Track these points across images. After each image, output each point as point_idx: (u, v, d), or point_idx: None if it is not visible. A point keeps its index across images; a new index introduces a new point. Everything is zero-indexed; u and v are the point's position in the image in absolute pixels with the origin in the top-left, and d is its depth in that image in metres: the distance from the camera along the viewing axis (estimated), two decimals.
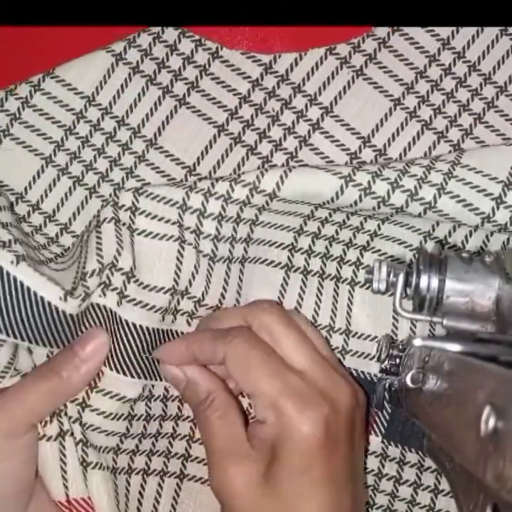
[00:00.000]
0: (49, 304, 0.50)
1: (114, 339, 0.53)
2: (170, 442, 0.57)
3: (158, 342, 0.54)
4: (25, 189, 0.58)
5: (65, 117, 0.58)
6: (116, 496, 0.55)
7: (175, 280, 0.54)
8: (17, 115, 0.58)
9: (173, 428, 0.57)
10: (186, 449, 0.57)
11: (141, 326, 0.53)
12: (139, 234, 0.53)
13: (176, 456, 0.57)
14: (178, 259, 0.54)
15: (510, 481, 0.25)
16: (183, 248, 0.54)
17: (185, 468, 0.57)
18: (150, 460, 0.57)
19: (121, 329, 0.53)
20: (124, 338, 0.53)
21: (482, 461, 0.28)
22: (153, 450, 0.57)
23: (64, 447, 0.54)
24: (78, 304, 0.51)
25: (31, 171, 0.59)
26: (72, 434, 0.53)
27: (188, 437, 0.57)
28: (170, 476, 0.57)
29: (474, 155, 0.54)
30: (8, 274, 0.49)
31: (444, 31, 0.59)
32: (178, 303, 0.55)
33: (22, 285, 0.49)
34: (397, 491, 0.57)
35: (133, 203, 0.53)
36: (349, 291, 0.56)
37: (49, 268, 0.54)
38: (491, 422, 0.27)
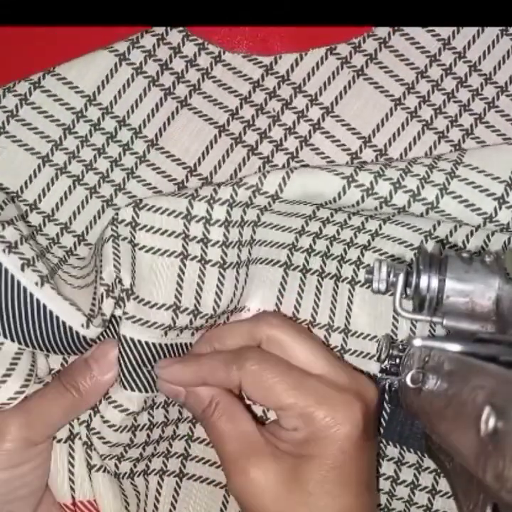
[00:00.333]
0: (70, 328, 0.50)
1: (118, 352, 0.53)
2: (169, 443, 0.57)
3: (160, 355, 0.53)
4: (21, 188, 0.58)
5: (64, 116, 0.58)
6: (125, 498, 0.55)
7: (176, 297, 0.52)
8: (14, 112, 0.57)
9: (174, 430, 0.57)
10: (185, 449, 0.57)
11: (139, 341, 0.52)
12: (139, 249, 0.52)
13: (175, 455, 0.57)
14: (179, 276, 0.52)
15: (510, 481, 0.25)
16: (185, 265, 0.52)
17: (184, 468, 0.57)
18: (150, 461, 0.56)
19: (120, 344, 0.52)
20: (123, 353, 0.52)
21: (482, 461, 0.28)
22: (155, 452, 0.56)
23: (73, 450, 0.54)
24: (98, 331, 0.51)
25: (27, 170, 0.58)
26: (81, 437, 0.53)
27: (187, 437, 0.57)
28: (169, 475, 0.57)
29: (477, 154, 0.54)
30: (31, 295, 0.49)
31: (445, 31, 0.59)
32: (191, 322, 0.53)
33: (45, 307, 0.49)
34: (395, 490, 0.57)
35: (133, 217, 0.51)
36: (349, 290, 0.56)
37: (64, 282, 0.54)
38: (491, 422, 0.27)
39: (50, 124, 0.58)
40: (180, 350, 0.54)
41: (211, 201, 0.52)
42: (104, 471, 0.54)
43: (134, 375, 0.52)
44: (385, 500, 0.57)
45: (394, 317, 0.55)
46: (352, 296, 0.56)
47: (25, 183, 0.58)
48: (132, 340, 0.52)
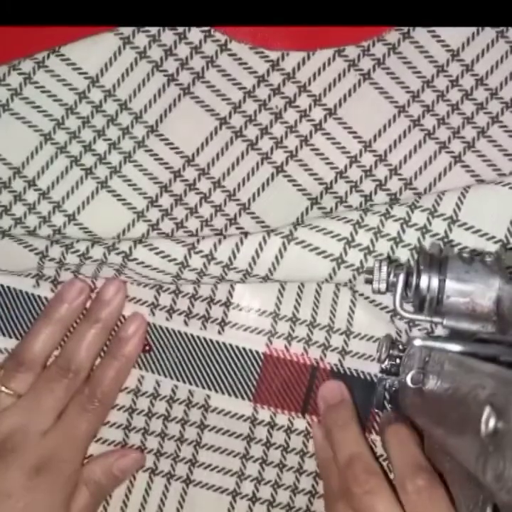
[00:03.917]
0: None
1: None
2: (178, 446, 0.53)
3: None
4: (23, 164, 0.54)
5: (67, 96, 0.54)
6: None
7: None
8: (18, 91, 0.54)
9: (180, 432, 0.53)
10: (193, 455, 0.53)
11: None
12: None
13: (183, 460, 0.53)
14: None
15: (510, 482, 0.24)
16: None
17: (191, 474, 0.53)
18: (158, 460, 0.53)
19: None
20: None
21: (482, 462, 0.26)
22: (161, 451, 0.53)
23: None
24: None
25: (30, 147, 0.54)
26: None
27: (195, 443, 0.53)
28: (176, 480, 0.53)
29: (474, 206, 0.50)
30: None
31: (455, 42, 0.54)
32: (175, 302, 0.53)
33: None
34: None
35: (121, 265, 0.50)
36: (351, 294, 0.52)
37: None
38: (491, 422, 0.25)
39: (52, 104, 0.55)
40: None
41: (199, 279, 0.51)
42: None
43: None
44: None
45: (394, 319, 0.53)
46: (355, 299, 0.52)
47: (27, 159, 0.54)
48: None
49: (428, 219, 0.49)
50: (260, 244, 0.49)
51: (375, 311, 0.52)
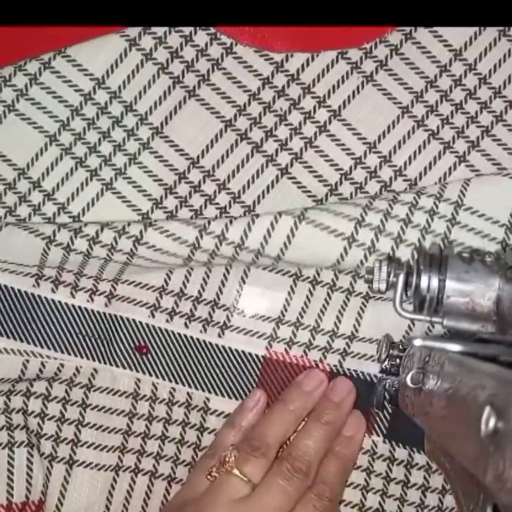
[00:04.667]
0: None
1: None
2: (160, 446, 0.53)
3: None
4: (28, 165, 0.54)
5: (72, 97, 0.54)
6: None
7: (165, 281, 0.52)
8: (24, 91, 0.54)
9: (162, 432, 0.53)
10: (175, 454, 0.53)
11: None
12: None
13: (164, 458, 0.52)
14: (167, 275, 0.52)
15: (510, 482, 0.24)
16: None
17: (174, 473, 0.52)
18: (139, 461, 0.52)
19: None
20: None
21: (482, 462, 0.26)
22: (143, 451, 0.53)
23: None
24: None
25: (35, 148, 0.54)
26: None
27: (194, 446, 0.53)
28: (177, 483, 0.52)
29: (477, 193, 0.51)
30: None
31: (457, 42, 0.54)
32: (177, 305, 0.52)
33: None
34: (406, 494, 0.52)
35: (131, 250, 0.50)
36: (362, 303, 0.52)
37: None
38: (491, 423, 0.25)
39: (58, 105, 0.54)
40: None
41: (211, 260, 0.51)
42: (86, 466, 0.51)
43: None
44: (396, 507, 0.52)
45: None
46: (363, 311, 0.52)
47: (32, 160, 0.54)
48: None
49: (435, 203, 0.50)
50: (272, 224, 0.50)
51: (384, 318, 0.51)
